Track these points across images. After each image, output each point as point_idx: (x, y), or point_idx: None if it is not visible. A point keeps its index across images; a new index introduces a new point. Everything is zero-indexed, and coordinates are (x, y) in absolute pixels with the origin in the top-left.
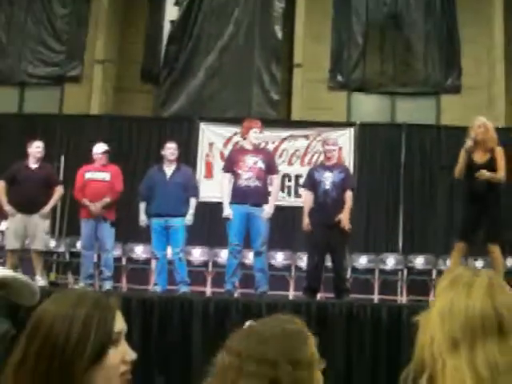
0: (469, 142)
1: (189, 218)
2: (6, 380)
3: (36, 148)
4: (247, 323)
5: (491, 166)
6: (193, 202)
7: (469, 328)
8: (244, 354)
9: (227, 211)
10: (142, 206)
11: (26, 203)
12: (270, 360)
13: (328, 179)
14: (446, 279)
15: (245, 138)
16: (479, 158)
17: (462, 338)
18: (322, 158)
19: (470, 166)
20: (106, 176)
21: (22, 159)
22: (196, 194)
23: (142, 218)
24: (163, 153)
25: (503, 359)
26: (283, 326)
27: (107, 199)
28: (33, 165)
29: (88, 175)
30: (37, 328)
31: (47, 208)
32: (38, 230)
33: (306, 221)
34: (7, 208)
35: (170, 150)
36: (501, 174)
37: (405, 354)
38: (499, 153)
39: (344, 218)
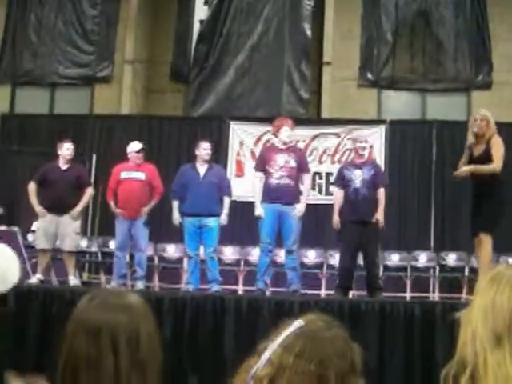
0: (470, 138)
1: (224, 218)
2: None
3: (66, 150)
4: (297, 322)
5: (487, 156)
6: (227, 201)
7: None
8: (307, 356)
9: (259, 210)
10: (175, 204)
11: (57, 204)
12: (330, 362)
13: (358, 177)
14: (486, 276)
15: (276, 137)
16: (477, 151)
17: (506, 334)
18: (352, 155)
19: (470, 162)
20: (141, 176)
21: (52, 160)
22: (229, 193)
23: (176, 217)
24: (197, 152)
25: None
26: (337, 327)
27: (153, 202)
28: (63, 166)
29: (123, 174)
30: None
31: (77, 209)
32: (69, 231)
33: (336, 218)
34: (38, 209)
35: (206, 150)
36: (495, 164)
37: (438, 351)
38: (495, 142)
39: (379, 216)
